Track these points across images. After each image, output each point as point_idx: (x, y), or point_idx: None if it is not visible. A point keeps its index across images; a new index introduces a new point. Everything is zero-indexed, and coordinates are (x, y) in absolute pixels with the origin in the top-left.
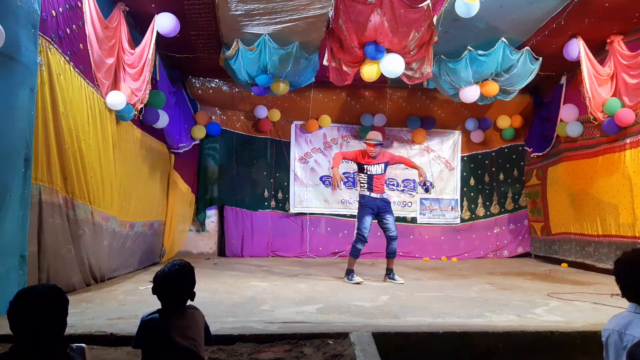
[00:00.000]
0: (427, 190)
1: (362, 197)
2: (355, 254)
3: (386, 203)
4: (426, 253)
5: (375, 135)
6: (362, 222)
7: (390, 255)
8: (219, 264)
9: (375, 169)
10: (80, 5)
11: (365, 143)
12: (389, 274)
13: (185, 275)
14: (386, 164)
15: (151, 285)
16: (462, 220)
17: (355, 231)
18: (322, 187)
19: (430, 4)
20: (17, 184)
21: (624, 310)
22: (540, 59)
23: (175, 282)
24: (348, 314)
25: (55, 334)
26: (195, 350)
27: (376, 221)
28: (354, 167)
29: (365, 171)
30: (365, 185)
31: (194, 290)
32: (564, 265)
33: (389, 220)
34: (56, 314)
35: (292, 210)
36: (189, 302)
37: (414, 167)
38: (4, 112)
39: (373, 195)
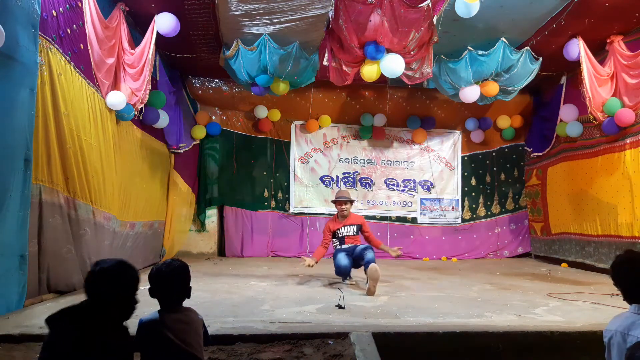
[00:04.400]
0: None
1: (335, 249)
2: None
3: (362, 247)
4: (426, 253)
5: (344, 193)
6: (336, 261)
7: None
8: (219, 264)
9: (346, 230)
10: (80, 5)
11: (335, 202)
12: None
13: (182, 274)
14: (359, 227)
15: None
16: (463, 220)
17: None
18: (322, 187)
19: (430, 4)
20: (17, 184)
21: (626, 311)
22: (540, 59)
23: (171, 281)
24: (348, 314)
25: (118, 304)
26: (192, 351)
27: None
28: (353, 167)
29: (337, 235)
30: (337, 244)
31: (190, 287)
32: (564, 265)
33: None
34: (122, 289)
35: (292, 210)
36: (185, 303)
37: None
38: (4, 112)
39: (344, 246)
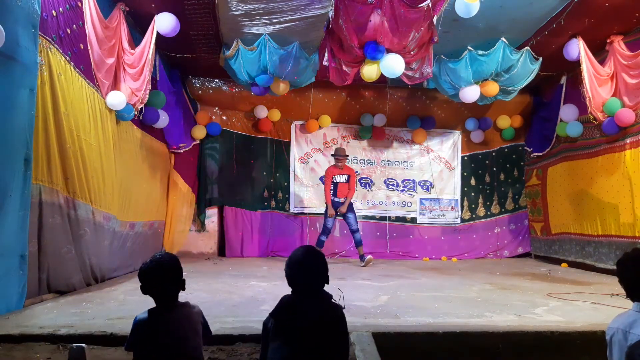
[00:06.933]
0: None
1: (332, 201)
2: (319, 245)
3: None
4: (426, 253)
5: (341, 152)
6: (326, 219)
7: (357, 244)
8: (219, 264)
9: (340, 178)
10: (80, 5)
11: (335, 156)
12: (361, 259)
13: (170, 268)
14: (349, 177)
15: None
16: (463, 220)
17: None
18: (321, 187)
19: (430, 4)
20: (17, 184)
21: (629, 309)
22: (540, 59)
23: (161, 276)
24: (348, 314)
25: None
26: (184, 350)
27: (341, 218)
28: (353, 167)
29: (334, 180)
30: (332, 191)
31: (183, 279)
32: (564, 265)
33: (350, 217)
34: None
35: (292, 210)
36: (183, 299)
37: (350, 189)
38: (4, 112)
39: (336, 199)
